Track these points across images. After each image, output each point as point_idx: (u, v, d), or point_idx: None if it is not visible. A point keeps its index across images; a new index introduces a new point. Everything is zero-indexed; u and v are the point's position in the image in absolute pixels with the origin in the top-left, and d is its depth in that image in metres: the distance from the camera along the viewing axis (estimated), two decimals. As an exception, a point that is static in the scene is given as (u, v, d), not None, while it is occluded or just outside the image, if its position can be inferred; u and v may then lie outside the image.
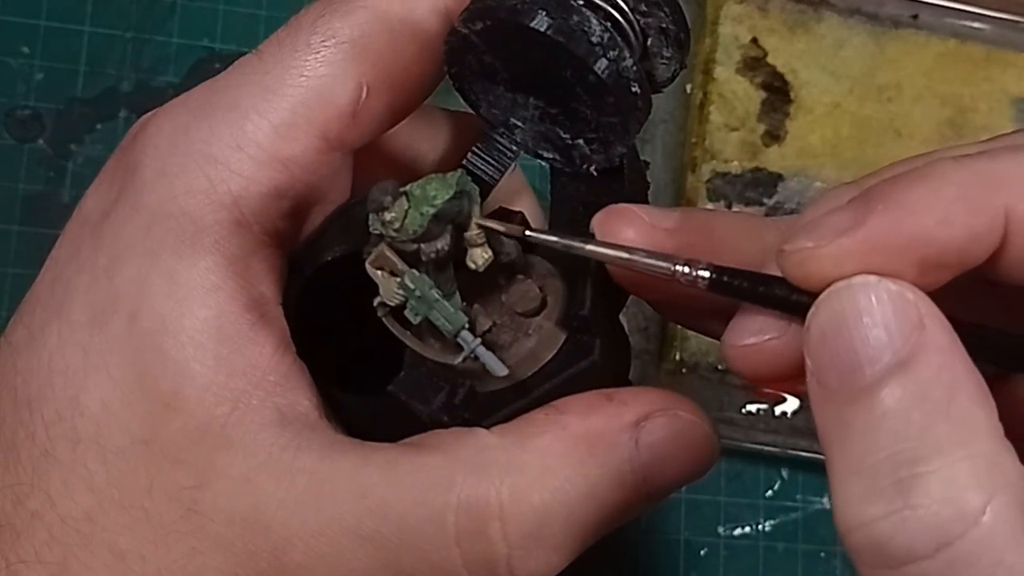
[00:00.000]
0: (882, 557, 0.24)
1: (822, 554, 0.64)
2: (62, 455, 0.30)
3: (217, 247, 0.30)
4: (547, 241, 0.30)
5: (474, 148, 0.33)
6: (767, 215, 0.66)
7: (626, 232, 0.30)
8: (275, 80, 0.31)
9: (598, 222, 0.30)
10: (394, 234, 0.30)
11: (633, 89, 0.30)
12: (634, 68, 0.30)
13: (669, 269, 0.28)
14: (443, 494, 0.29)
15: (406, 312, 0.31)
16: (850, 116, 0.68)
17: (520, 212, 0.34)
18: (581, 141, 0.32)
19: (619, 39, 0.30)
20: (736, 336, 0.28)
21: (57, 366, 0.30)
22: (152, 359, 0.29)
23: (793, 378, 0.28)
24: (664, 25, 0.32)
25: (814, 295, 0.26)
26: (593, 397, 0.31)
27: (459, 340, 0.31)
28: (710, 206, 0.66)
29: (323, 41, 0.31)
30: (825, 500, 0.64)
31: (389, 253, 0.31)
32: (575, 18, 0.30)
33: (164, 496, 0.29)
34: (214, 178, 0.30)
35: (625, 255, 0.29)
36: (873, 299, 0.25)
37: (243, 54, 0.32)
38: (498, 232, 0.31)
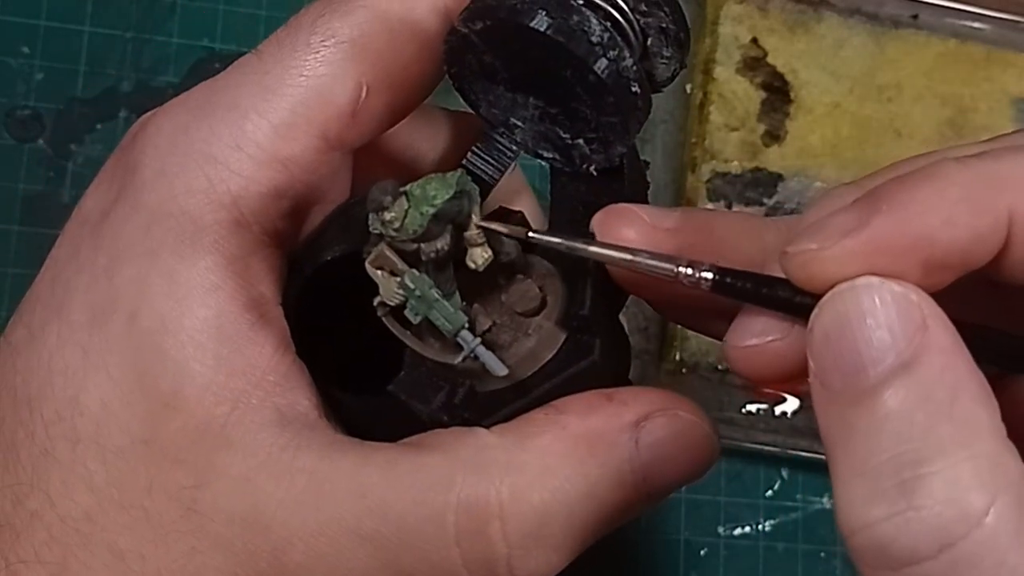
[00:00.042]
0: (885, 558, 0.24)
1: (822, 554, 0.64)
2: (62, 455, 0.30)
3: (217, 247, 0.30)
4: (550, 243, 0.30)
5: (474, 148, 0.33)
6: (767, 215, 0.66)
7: (626, 232, 0.30)
8: (275, 80, 0.31)
9: (598, 222, 0.30)
10: (394, 234, 0.30)
11: (633, 89, 0.30)
12: (634, 68, 0.30)
13: (672, 270, 0.28)
14: (443, 494, 0.29)
15: (406, 312, 0.31)
16: (850, 116, 0.68)
17: (520, 212, 0.34)
18: (581, 141, 0.32)
19: (619, 39, 0.30)
20: (739, 337, 0.28)
21: (57, 366, 0.30)
22: (152, 359, 0.29)
23: (795, 379, 0.28)
24: (664, 25, 0.32)
25: (817, 296, 0.26)
26: (593, 397, 0.31)
27: (459, 340, 0.31)
28: (710, 206, 0.66)
29: (323, 41, 0.31)
30: (825, 500, 0.65)
31: (389, 253, 0.31)
32: (575, 18, 0.30)
33: (164, 496, 0.29)
34: (214, 178, 0.30)
35: (628, 256, 0.29)
36: (877, 300, 0.25)
37: (243, 54, 0.32)
38: (501, 233, 0.31)
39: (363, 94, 0.31)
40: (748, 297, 0.28)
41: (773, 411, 0.63)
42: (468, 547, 0.29)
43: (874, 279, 0.25)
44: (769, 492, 0.65)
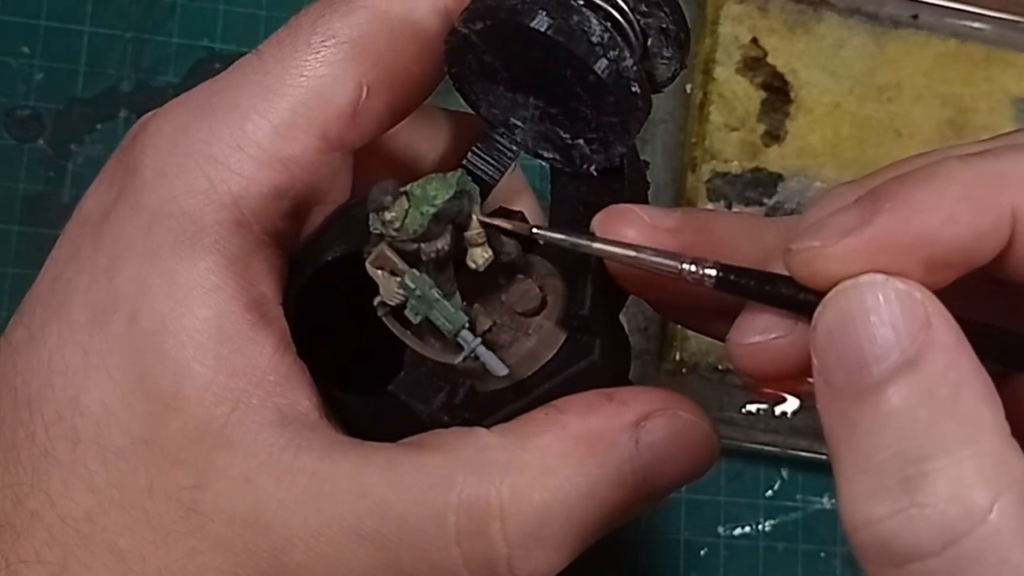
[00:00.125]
0: (888, 555, 0.24)
1: (822, 554, 0.64)
2: (62, 455, 0.30)
3: (217, 247, 0.30)
4: (554, 239, 0.30)
5: (474, 148, 0.33)
6: (767, 215, 0.66)
7: (626, 232, 0.30)
8: (275, 80, 0.31)
9: (598, 222, 0.30)
10: (394, 234, 0.30)
11: (633, 89, 0.30)
12: (634, 68, 0.30)
13: (676, 267, 0.28)
14: (443, 494, 0.29)
15: (406, 312, 0.31)
16: (850, 116, 0.68)
17: (520, 212, 0.34)
18: (581, 141, 0.32)
19: (619, 39, 0.30)
20: (742, 334, 0.28)
21: (57, 366, 0.30)
22: (152, 359, 0.29)
23: (798, 377, 0.28)
24: (664, 25, 0.32)
25: (821, 294, 0.26)
26: (593, 397, 0.31)
27: (459, 340, 0.31)
28: (710, 206, 0.66)
29: (323, 41, 0.31)
30: (825, 500, 0.65)
31: (389, 253, 0.31)
32: (575, 18, 0.30)
33: (164, 496, 0.29)
34: (214, 178, 0.30)
35: (632, 253, 0.29)
36: (880, 298, 0.25)
37: (243, 54, 0.32)
38: (504, 230, 0.31)
39: (363, 94, 0.31)
40: (751, 294, 0.28)
41: (773, 411, 0.63)
42: (469, 547, 0.29)
43: (878, 276, 0.25)
44: (769, 492, 0.65)
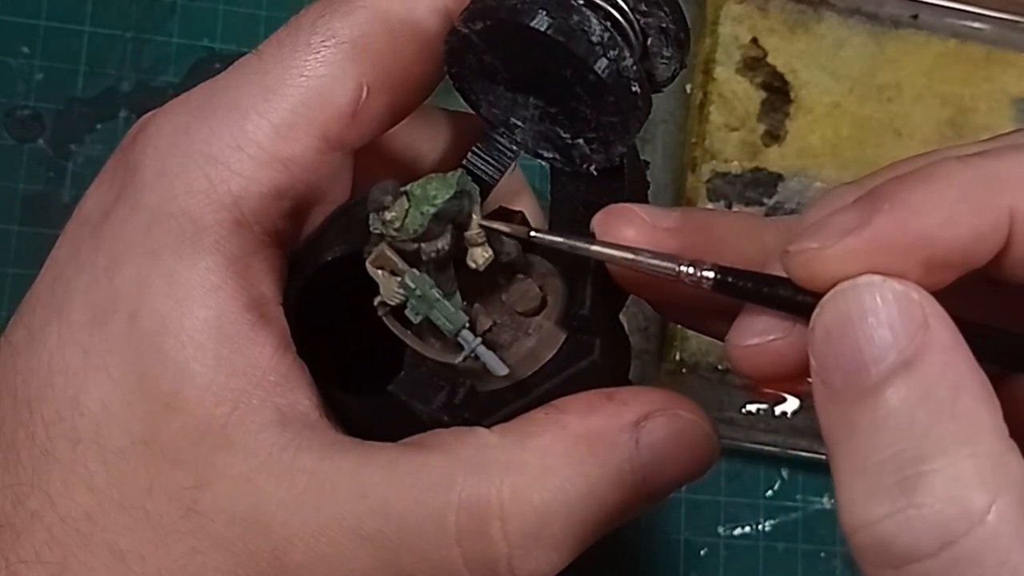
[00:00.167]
0: (886, 556, 0.24)
1: (822, 554, 0.64)
2: (62, 455, 0.30)
3: (217, 247, 0.30)
4: (552, 242, 0.30)
5: (474, 148, 0.33)
6: (767, 215, 0.66)
7: (626, 232, 0.30)
8: (275, 80, 0.31)
9: (598, 222, 0.30)
10: (394, 233, 0.30)
11: (633, 89, 0.30)
12: (634, 68, 0.30)
13: (673, 270, 0.28)
14: (444, 493, 0.29)
15: (406, 311, 0.31)
16: (850, 116, 0.68)
17: (520, 212, 0.34)
18: (581, 141, 0.32)
19: (619, 39, 0.30)
20: (740, 336, 0.28)
21: (57, 366, 0.30)
22: (152, 359, 0.29)
23: (797, 378, 0.28)
24: (664, 25, 0.32)
25: (819, 295, 0.26)
26: (593, 397, 0.31)
27: (459, 339, 0.31)
28: (710, 206, 0.66)
29: (323, 41, 0.31)
30: (825, 500, 0.65)
31: (389, 253, 0.31)
32: (575, 18, 0.30)
33: (164, 496, 0.29)
34: (214, 178, 0.30)
35: (629, 255, 0.29)
36: (878, 299, 0.25)
37: (243, 54, 0.32)
38: (502, 233, 0.31)
39: (363, 94, 0.31)
40: (750, 296, 0.28)
41: (773, 411, 0.63)
42: (469, 547, 0.29)
43: (876, 277, 0.25)
44: (769, 492, 0.65)
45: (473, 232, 0.31)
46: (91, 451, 0.29)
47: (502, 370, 0.31)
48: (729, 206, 0.66)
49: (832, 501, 0.63)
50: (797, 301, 0.27)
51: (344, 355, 0.34)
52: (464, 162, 0.33)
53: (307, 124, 0.31)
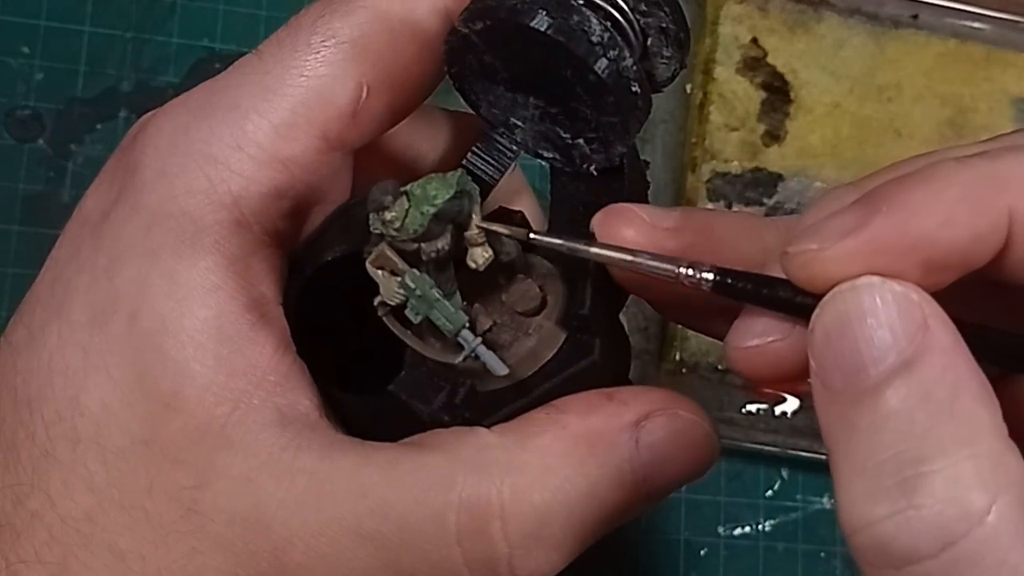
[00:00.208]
0: (886, 557, 0.24)
1: (822, 554, 0.64)
2: (62, 455, 0.30)
3: (217, 247, 0.30)
4: (551, 244, 0.30)
5: (474, 148, 0.33)
6: (767, 215, 0.66)
7: (626, 232, 0.30)
8: (275, 80, 0.31)
9: (598, 222, 0.30)
10: (394, 233, 0.30)
11: (633, 89, 0.30)
12: (634, 68, 0.30)
13: (673, 271, 0.28)
14: (444, 493, 0.29)
15: (407, 311, 0.31)
16: (850, 116, 0.68)
17: (520, 212, 0.34)
18: (581, 141, 0.32)
19: (619, 39, 0.30)
20: (740, 338, 0.28)
21: (57, 366, 0.30)
22: (152, 359, 0.29)
23: (796, 379, 0.28)
24: (664, 25, 0.32)
25: (818, 297, 0.26)
26: (593, 396, 0.31)
27: (460, 339, 0.31)
28: (710, 206, 0.66)
29: (323, 41, 0.31)
30: (825, 500, 0.65)
31: (389, 253, 0.31)
32: (575, 18, 0.30)
33: (164, 496, 0.29)
34: (214, 178, 0.30)
35: (629, 257, 0.29)
36: (878, 300, 0.25)
37: (243, 54, 0.32)
38: (502, 234, 0.31)
39: (363, 94, 0.31)
40: (749, 298, 0.28)
41: (773, 411, 0.63)
42: (469, 547, 0.29)
43: (875, 279, 0.25)
44: (769, 492, 0.65)
45: (473, 232, 0.31)
46: (91, 451, 0.29)
47: (502, 370, 0.31)
48: (729, 206, 0.66)
49: (832, 501, 0.63)
50: (796, 302, 0.27)
51: (344, 355, 0.34)
52: (464, 162, 0.33)
53: (307, 124, 0.31)
